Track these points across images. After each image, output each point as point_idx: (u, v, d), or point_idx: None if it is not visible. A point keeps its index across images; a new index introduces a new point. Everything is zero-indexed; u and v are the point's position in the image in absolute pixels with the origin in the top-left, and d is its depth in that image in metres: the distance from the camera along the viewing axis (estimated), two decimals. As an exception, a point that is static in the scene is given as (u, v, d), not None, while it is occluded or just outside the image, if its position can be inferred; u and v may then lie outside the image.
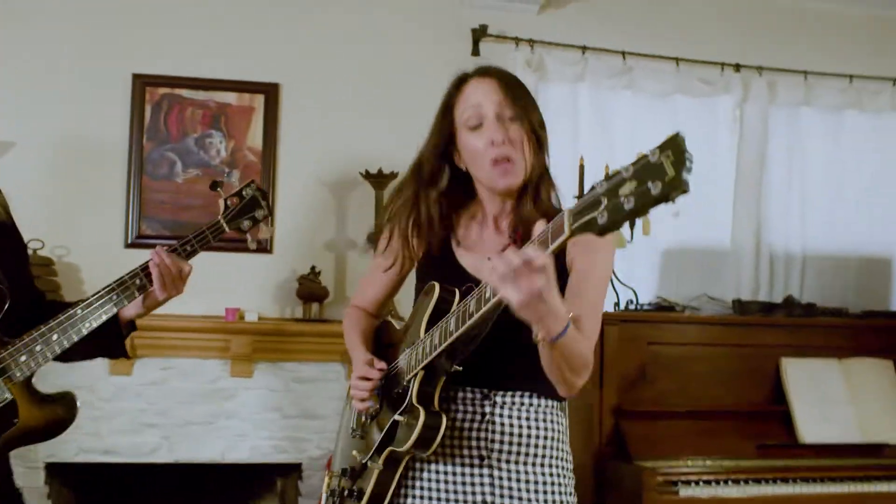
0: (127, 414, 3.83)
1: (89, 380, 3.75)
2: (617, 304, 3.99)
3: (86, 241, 3.88)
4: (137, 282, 2.24)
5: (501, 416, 1.89)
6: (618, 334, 3.72)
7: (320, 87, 4.14)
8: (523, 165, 1.90)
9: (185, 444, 3.87)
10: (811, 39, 4.66)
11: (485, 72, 1.95)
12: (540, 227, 1.49)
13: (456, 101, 1.95)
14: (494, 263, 1.46)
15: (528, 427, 1.90)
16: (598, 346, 3.56)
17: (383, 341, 2.14)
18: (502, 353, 1.85)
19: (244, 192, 2.40)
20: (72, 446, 3.77)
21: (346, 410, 2.23)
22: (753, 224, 4.44)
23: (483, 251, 1.94)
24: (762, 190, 4.48)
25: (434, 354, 1.76)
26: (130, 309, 2.28)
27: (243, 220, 2.36)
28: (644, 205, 1.24)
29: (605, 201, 1.30)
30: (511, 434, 1.89)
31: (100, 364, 3.77)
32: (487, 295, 1.60)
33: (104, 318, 2.22)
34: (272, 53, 4.10)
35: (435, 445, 1.80)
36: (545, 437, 1.91)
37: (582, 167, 4.00)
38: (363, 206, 4.06)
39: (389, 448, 1.85)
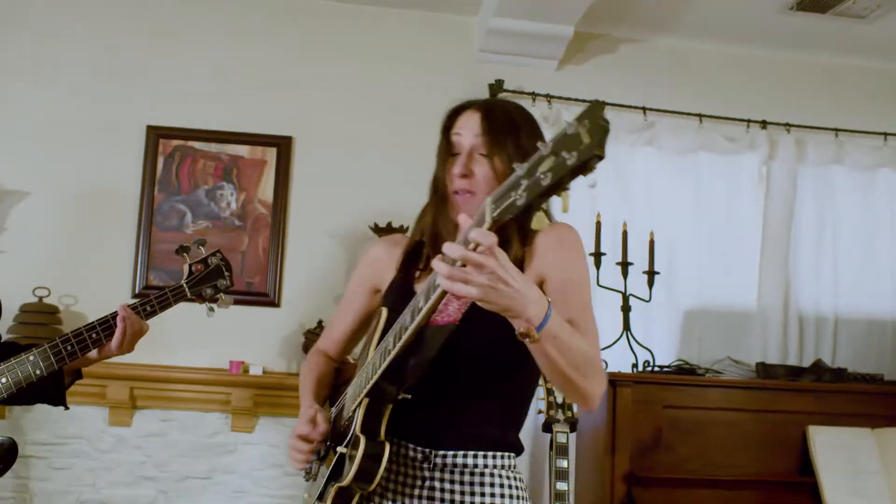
0: (125, 466, 3.77)
1: (88, 430, 3.71)
2: (635, 365, 3.83)
3: (93, 290, 3.88)
4: (93, 335, 2.28)
5: (443, 481, 1.77)
6: (631, 396, 3.55)
7: (333, 141, 4.13)
8: (484, 196, 1.83)
9: (183, 499, 3.79)
10: (842, 96, 4.53)
11: (473, 104, 1.94)
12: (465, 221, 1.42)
13: (451, 128, 1.94)
14: (437, 265, 1.39)
15: (471, 494, 1.77)
16: (609, 407, 3.52)
17: (341, 382, 2.08)
18: (441, 408, 1.77)
19: (209, 261, 2.50)
20: (69, 497, 3.71)
21: None
22: (781, 285, 4.25)
23: None
24: (790, 250, 4.31)
25: (376, 377, 1.68)
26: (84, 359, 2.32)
27: (206, 287, 2.47)
28: (561, 177, 1.18)
29: (524, 182, 1.24)
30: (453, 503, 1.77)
31: (99, 414, 3.73)
32: (420, 305, 1.53)
33: (55, 367, 2.25)
34: (286, 107, 4.11)
35: (378, 478, 1.68)
36: None
37: (599, 224, 3.90)
38: (373, 260, 3.98)
39: (335, 485, 1.74)
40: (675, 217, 4.22)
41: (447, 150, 1.91)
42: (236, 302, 3.88)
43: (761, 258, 4.27)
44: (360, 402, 1.73)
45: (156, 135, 4.00)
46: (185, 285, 2.42)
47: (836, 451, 3.59)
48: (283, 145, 4.07)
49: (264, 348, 3.95)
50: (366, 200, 4.05)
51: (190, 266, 2.45)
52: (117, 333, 2.26)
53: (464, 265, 1.37)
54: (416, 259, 1.95)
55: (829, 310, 4.31)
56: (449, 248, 1.37)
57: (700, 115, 4.29)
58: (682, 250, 4.22)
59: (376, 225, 3.92)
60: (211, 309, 2.50)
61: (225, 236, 3.97)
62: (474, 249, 1.35)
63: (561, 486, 3.13)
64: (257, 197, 4.04)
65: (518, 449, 1.85)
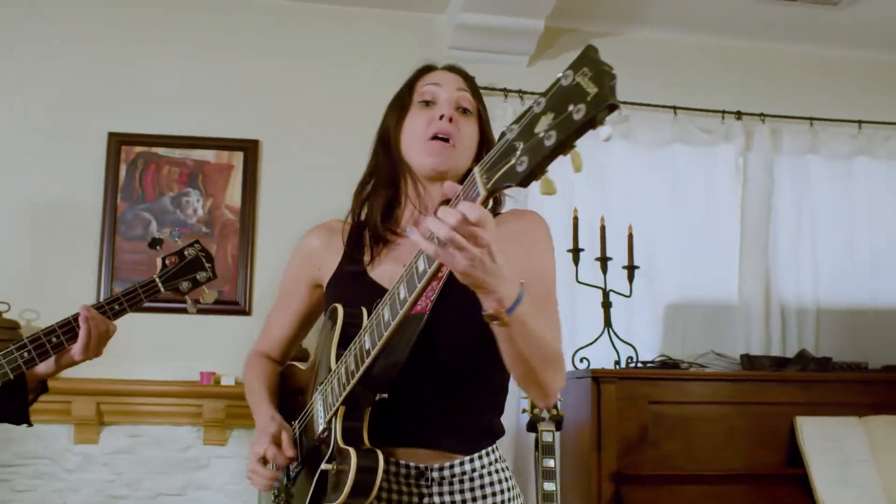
0: (93, 485, 3.62)
1: (52, 449, 3.57)
2: (617, 361, 3.74)
3: (55, 304, 3.64)
4: (53, 339, 2.08)
5: (441, 494, 1.65)
6: (615, 393, 3.47)
7: (301, 144, 4.02)
8: (463, 156, 1.75)
9: (156, 518, 3.64)
10: (816, 85, 4.50)
11: (453, 68, 1.84)
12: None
13: (417, 82, 1.81)
14: (430, 224, 1.24)
15: (473, 500, 1.66)
16: (594, 405, 3.42)
17: (289, 389, 1.91)
18: (425, 402, 1.64)
19: (186, 252, 2.28)
20: (35, 521, 3.56)
21: None
22: (762, 276, 4.19)
23: (397, 260, 1.72)
24: (769, 241, 4.25)
25: (354, 381, 1.53)
26: (41, 366, 2.10)
27: (182, 280, 2.25)
28: (570, 134, 1.06)
29: (520, 145, 1.12)
30: None
31: (64, 432, 3.59)
32: (402, 296, 1.39)
33: (9, 377, 2.06)
34: (252, 110, 4.00)
35: (375, 491, 1.53)
36: None
37: (576, 220, 3.81)
38: (345, 265, 3.87)
39: None
40: (653, 210, 4.15)
41: (410, 100, 1.78)
42: (206, 311, 3.77)
43: (741, 249, 4.22)
44: (337, 412, 1.59)
45: (117, 141, 3.87)
46: (157, 280, 2.22)
47: (824, 441, 3.53)
48: (250, 149, 3.96)
49: (236, 358, 3.76)
50: (337, 204, 3.88)
51: (163, 259, 2.25)
52: (81, 336, 2.04)
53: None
54: (361, 245, 1.78)
55: (810, 299, 4.26)
56: (445, 213, 1.23)
57: (675, 108, 4.23)
58: (661, 244, 4.15)
59: (348, 227, 3.81)
60: (193, 304, 2.29)
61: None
62: (467, 220, 1.23)
63: (548, 486, 3.03)
64: (225, 203, 3.93)
65: (499, 433, 1.74)
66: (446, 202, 1.30)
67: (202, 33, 4.04)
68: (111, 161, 3.85)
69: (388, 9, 4.19)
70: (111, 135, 3.87)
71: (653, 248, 4.12)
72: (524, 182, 1.13)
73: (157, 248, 2.24)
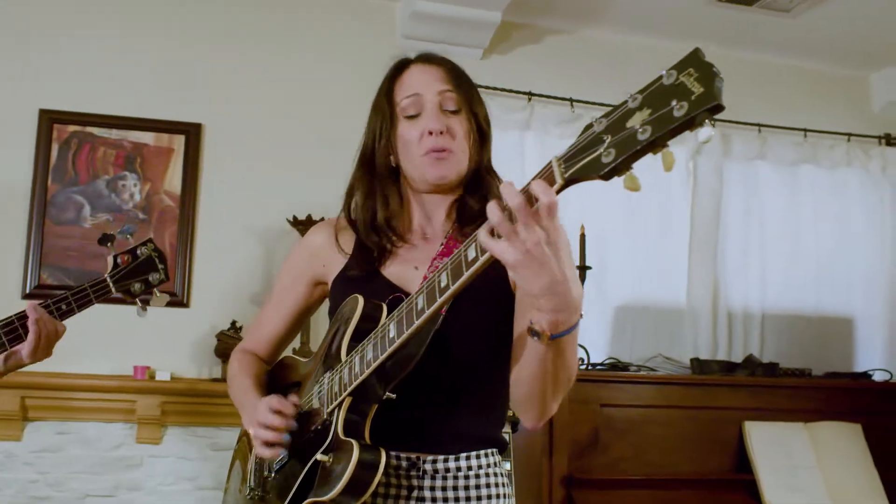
0: (14, 485, 3.38)
1: (-29, 446, 3.32)
2: (566, 363, 3.67)
3: None
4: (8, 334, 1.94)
5: (433, 489, 1.56)
6: (567, 395, 3.38)
7: (246, 128, 3.85)
8: (464, 159, 1.66)
9: (82, 521, 3.43)
10: (765, 93, 4.53)
11: (427, 58, 1.72)
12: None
13: (395, 88, 1.69)
14: (488, 207, 1.16)
15: (466, 499, 1.58)
16: (545, 407, 3.35)
17: (281, 383, 1.80)
18: (428, 409, 1.56)
19: (139, 251, 2.15)
20: (-51, 524, 3.31)
21: (234, 472, 1.87)
22: (710, 281, 4.21)
23: (408, 262, 1.66)
24: (718, 245, 4.27)
25: (370, 370, 1.44)
26: None
27: (134, 281, 2.13)
28: (667, 130, 1.02)
29: (607, 138, 1.07)
30: None
31: (-17, 428, 3.35)
32: (444, 283, 1.29)
33: None
34: (195, 92, 3.81)
35: (370, 491, 1.43)
36: None
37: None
38: (291, 256, 3.72)
39: (310, 500, 1.47)
40: (605, 211, 4.11)
41: (393, 112, 1.67)
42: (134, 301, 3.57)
43: (690, 253, 4.22)
44: (342, 402, 1.49)
45: (49, 119, 3.63)
46: (108, 280, 2.08)
47: (772, 446, 3.54)
48: (192, 133, 3.77)
49: (172, 352, 3.62)
50: (283, 192, 3.78)
51: (115, 258, 2.11)
52: (30, 338, 1.92)
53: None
54: (369, 246, 1.69)
55: (756, 305, 4.29)
56: (508, 192, 1.14)
57: (627, 108, 4.19)
58: (612, 245, 4.12)
59: (295, 218, 3.67)
60: (143, 307, 2.16)
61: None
62: (535, 207, 1.14)
63: (504, 489, 2.94)
64: (163, 188, 3.73)
65: (504, 445, 1.66)
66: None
67: (147, 10, 3.82)
68: (42, 140, 3.62)
69: (340, -6, 4.06)
70: (42, 112, 3.63)
71: (603, 249, 4.08)
72: (608, 174, 1.08)
73: (109, 244, 2.10)
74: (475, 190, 1.68)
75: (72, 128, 3.66)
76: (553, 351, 1.33)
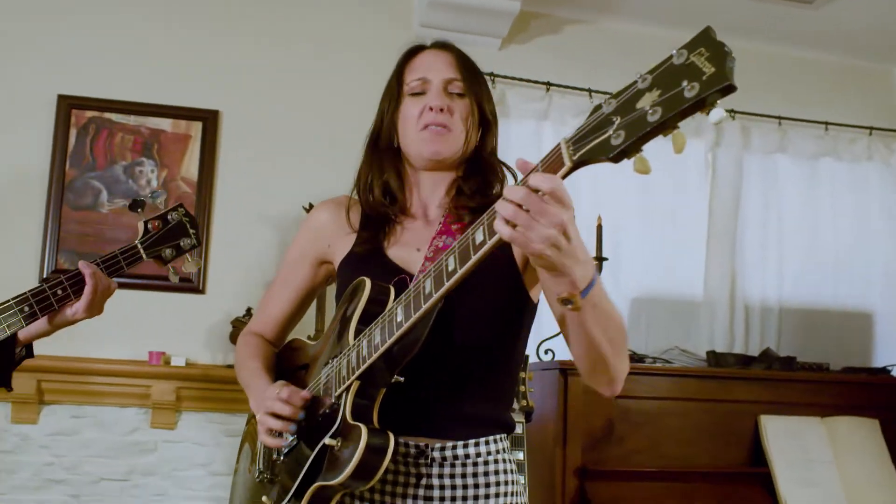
0: (30, 468, 3.41)
1: (-13, 428, 3.34)
2: (582, 354, 3.66)
3: None
4: (59, 292, 1.90)
5: (441, 476, 1.56)
6: (582, 387, 3.38)
7: (264, 116, 3.85)
8: (461, 139, 1.67)
9: (97, 503, 3.43)
10: (786, 85, 4.49)
11: (442, 45, 1.77)
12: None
13: (406, 70, 1.73)
14: (501, 207, 1.16)
15: (475, 486, 1.57)
16: (560, 398, 3.34)
17: (289, 365, 1.80)
18: (436, 392, 1.56)
19: (170, 217, 2.12)
20: (-34, 505, 3.33)
21: (244, 454, 1.86)
22: (727, 273, 4.17)
23: (409, 244, 1.67)
24: (736, 238, 4.23)
25: (378, 354, 1.43)
26: (31, 328, 1.92)
27: (165, 247, 2.09)
28: (678, 111, 1.00)
29: (617, 119, 1.06)
30: (454, 500, 1.56)
31: (0, 410, 3.36)
32: (451, 267, 1.29)
33: (7, 332, 1.87)
34: (213, 79, 3.81)
35: (378, 475, 1.43)
36: (494, 495, 1.59)
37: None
38: (307, 243, 3.72)
39: (318, 483, 1.48)
40: (621, 203, 4.09)
41: (401, 91, 1.71)
42: (157, 288, 3.59)
43: (708, 246, 4.19)
44: (350, 386, 1.48)
45: (68, 105, 3.65)
46: (139, 245, 2.05)
47: (788, 440, 3.51)
48: (209, 120, 3.77)
49: (187, 338, 3.63)
50: (299, 180, 3.78)
51: (145, 223, 2.08)
52: (87, 291, 1.88)
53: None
54: (373, 225, 1.71)
55: (774, 298, 4.25)
56: (511, 190, 1.16)
57: (646, 99, 4.16)
58: (629, 237, 4.10)
59: (310, 205, 3.66)
60: (175, 273, 2.14)
61: (144, 216, 3.63)
62: (546, 194, 1.15)
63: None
64: (180, 174, 3.73)
65: (511, 427, 1.65)
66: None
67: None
68: (60, 125, 3.63)
69: (357, -19, 4.05)
70: (61, 97, 3.65)
71: (620, 241, 4.06)
72: (617, 157, 1.07)
73: (139, 210, 2.08)
74: (475, 171, 1.70)
75: (90, 113, 3.67)
76: (589, 311, 1.31)
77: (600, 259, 3.73)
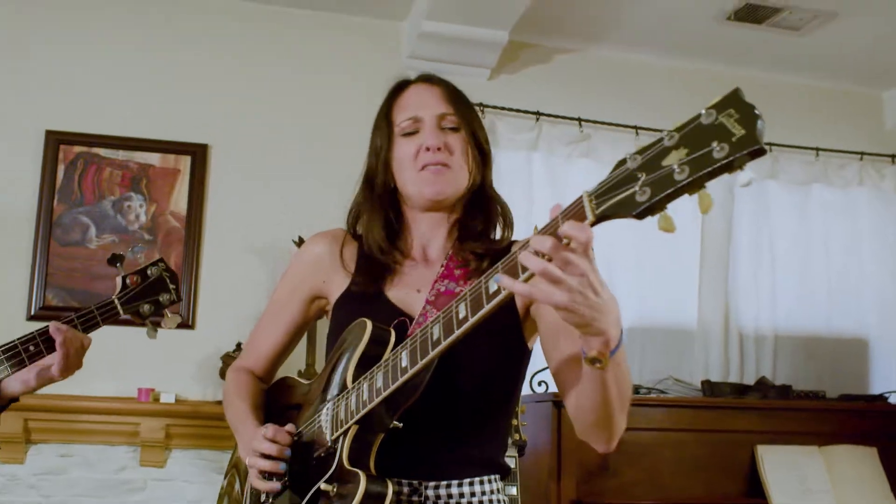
0: (17, 509, 3.36)
1: (-27, 469, 3.29)
2: (575, 385, 3.62)
3: None
4: (31, 348, 1.89)
5: None
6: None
7: (253, 149, 3.84)
8: (463, 175, 1.63)
9: (85, 545, 3.39)
10: (776, 112, 4.45)
11: (427, 79, 1.72)
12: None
13: (394, 108, 1.68)
14: (526, 259, 1.13)
15: None
16: (554, 431, 3.30)
17: (280, 405, 1.75)
18: (431, 435, 1.52)
19: (149, 271, 2.08)
20: (-49, 548, 3.27)
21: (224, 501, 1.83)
22: (721, 302, 4.15)
23: (409, 286, 1.63)
24: (729, 265, 4.21)
25: (380, 398, 1.40)
26: (15, 384, 1.92)
27: (143, 303, 2.05)
28: (706, 172, 0.99)
29: (642, 176, 1.04)
30: None
31: (-14, 451, 3.32)
32: (462, 315, 1.27)
33: None
34: (201, 112, 3.81)
35: None
36: None
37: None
38: (297, 277, 3.69)
39: None
40: (613, 232, 4.04)
41: (392, 132, 1.65)
42: (144, 323, 3.54)
43: (701, 274, 4.17)
44: (348, 430, 1.45)
45: (55, 140, 3.63)
46: (116, 301, 2.02)
47: (785, 470, 3.47)
48: (198, 153, 3.76)
49: (177, 374, 3.59)
50: (288, 213, 3.76)
51: (124, 278, 2.04)
52: (60, 356, 1.87)
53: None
54: (372, 265, 1.66)
55: (768, 326, 4.23)
56: (539, 240, 1.13)
57: (636, 128, 4.16)
58: (621, 266, 4.07)
59: (301, 239, 3.64)
60: (153, 329, 2.09)
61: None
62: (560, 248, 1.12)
63: (511, 515, 2.89)
64: (169, 209, 3.71)
65: (507, 471, 1.62)
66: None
67: (151, 31, 3.83)
68: (48, 161, 3.61)
69: (346, 14, 4.04)
70: (49, 133, 3.63)
71: (612, 270, 4.03)
72: (642, 214, 1.05)
73: (118, 265, 2.03)
74: (476, 210, 1.66)
75: (78, 148, 3.65)
76: (612, 371, 1.29)
77: (593, 289, 3.70)
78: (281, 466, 1.51)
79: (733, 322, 4.18)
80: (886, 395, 3.95)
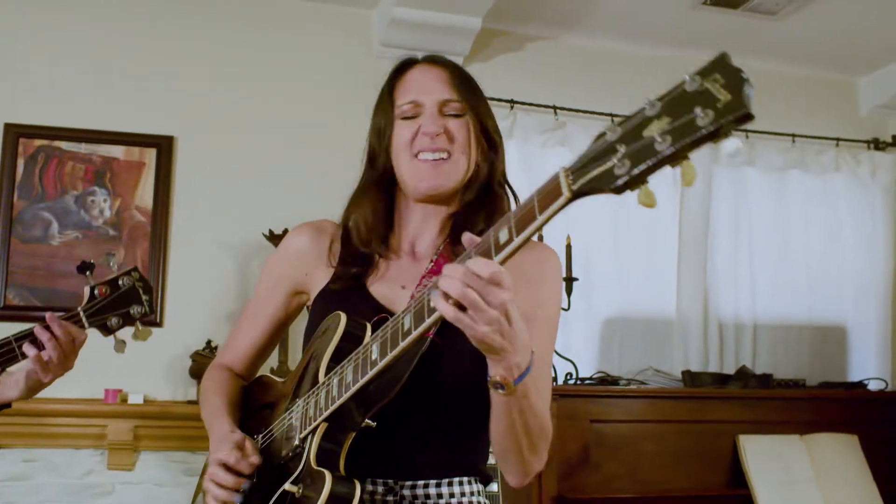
0: (-21, 517, 3.24)
1: (-67, 476, 3.17)
2: (555, 378, 3.56)
3: None
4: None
5: None
6: (556, 411, 3.28)
7: (220, 141, 3.73)
8: (462, 167, 1.53)
9: (51, 552, 3.28)
10: (753, 98, 4.44)
11: (434, 60, 1.62)
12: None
13: (396, 88, 1.59)
14: (442, 282, 1.11)
15: None
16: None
17: (255, 403, 1.67)
18: (409, 434, 1.45)
19: (121, 282, 1.96)
20: (-89, 558, 3.15)
21: (199, 499, 1.74)
22: (700, 290, 4.11)
23: (394, 281, 1.55)
24: (707, 254, 4.17)
25: (349, 394, 1.32)
26: (11, 390, 1.88)
27: (111, 315, 1.95)
28: (690, 141, 0.92)
29: (622, 148, 0.97)
30: None
31: (-54, 456, 3.20)
32: (433, 303, 1.20)
33: None
34: (167, 103, 3.69)
35: None
36: None
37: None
38: (268, 272, 3.60)
39: None
40: (591, 221, 4.01)
41: (393, 114, 1.57)
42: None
43: (679, 262, 4.12)
44: (317, 428, 1.37)
45: (15, 133, 3.51)
46: (80, 313, 1.91)
47: (767, 460, 3.43)
48: (163, 146, 3.64)
49: (145, 373, 3.48)
50: (259, 205, 3.66)
51: (92, 289, 1.93)
52: (50, 353, 1.81)
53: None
54: (357, 258, 1.58)
55: (747, 315, 4.20)
56: (453, 268, 1.12)
57: (612, 115, 4.09)
58: (599, 255, 4.01)
59: (271, 232, 3.55)
60: (121, 344, 1.99)
61: (98, 248, 3.51)
62: (486, 278, 1.11)
63: (492, 512, 2.83)
64: (135, 203, 3.60)
65: (487, 479, 1.54)
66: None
67: (112, 21, 3.70)
68: (7, 155, 3.49)
69: (315, 1, 3.94)
70: (8, 126, 3.51)
71: (590, 260, 3.98)
72: (621, 188, 0.99)
73: (87, 273, 1.93)
74: (478, 205, 1.56)
75: (38, 142, 3.53)
76: (518, 400, 1.27)
77: (570, 280, 3.64)
78: (236, 499, 1.43)
79: (712, 311, 4.15)
80: (865, 381, 3.92)
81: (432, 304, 1.18)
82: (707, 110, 0.92)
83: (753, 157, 4.31)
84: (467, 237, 1.17)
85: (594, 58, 4.27)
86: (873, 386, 3.94)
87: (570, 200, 1.04)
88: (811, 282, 4.31)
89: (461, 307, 1.13)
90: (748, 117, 0.91)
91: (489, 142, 1.58)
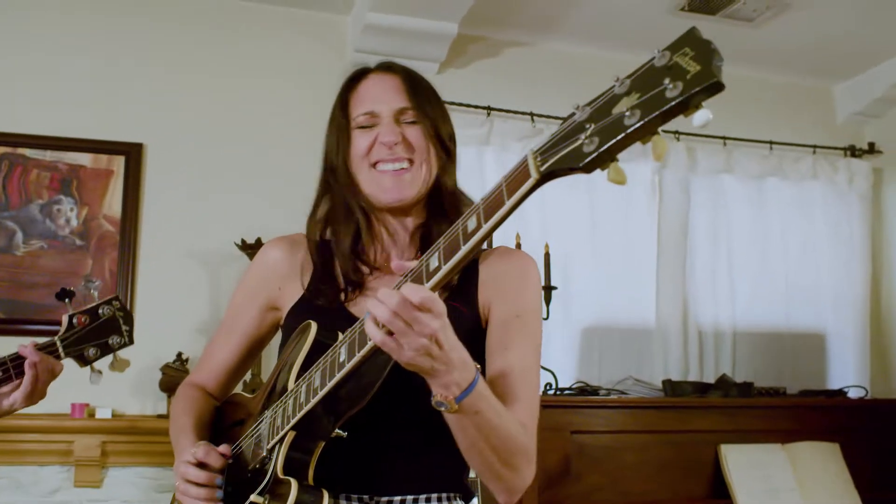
0: (-61, 538, 3.12)
1: None
2: (534, 388, 3.50)
3: None
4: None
5: None
6: (537, 422, 3.22)
7: (190, 148, 3.65)
8: (423, 175, 1.50)
9: (15, 574, 3.17)
10: (729, 105, 4.39)
11: (387, 67, 1.58)
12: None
13: (350, 100, 1.55)
14: (372, 307, 1.14)
15: None
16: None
17: (226, 422, 1.61)
18: (387, 447, 1.40)
19: (101, 311, 1.90)
20: None
21: None
22: (679, 298, 4.08)
23: (370, 296, 1.48)
24: (686, 262, 4.14)
25: (316, 399, 1.28)
26: None
27: (89, 346, 1.89)
28: (659, 113, 0.89)
29: (591, 126, 0.95)
30: None
31: None
32: (363, 327, 1.21)
33: None
34: (135, 110, 3.61)
35: None
36: None
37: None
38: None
39: None
40: (569, 229, 3.96)
41: (348, 125, 1.53)
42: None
43: (658, 271, 4.09)
44: (285, 437, 1.31)
45: (-24, 141, 3.41)
46: (57, 343, 1.85)
47: (749, 469, 3.40)
48: (132, 153, 3.56)
49: (113, 387, 3.37)
50: (230, 214, 3.58)
51: (70, 318, 1.87)
52: (28, 382, 1.75)
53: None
54: (332, 273, 1.54)
55: (727, 323, 4.17)
56: (385, 294, 1.13)
57: (589, 122, 4.06)
58: (577, 264, 3.97)
59: (244, 242, 3.47)
60: (97, 374, 1.93)
61: (64, 259, 3.41)
62: (413, 305, 1.11)
63: (473, 527, 2.75)
64: (102, 212, 3.51)
65: (470, 494, 1.48)
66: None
67: (79, 25, 3.62)
68: (-31, 163, 3.39)
69: (288, 7, 3.88)
70: (-31, 133, 3.41)
71: (569, 269, 3.93)
72: (589, 165, 0.95)
73: (67, 301, 1.86)
74: (441, 216, 1.52)
75: (2, 149, 3.44)
76: (469, 418, 1.23)
77: (549, 288, 3.59)
78: (218, 494, 1.37)
79: (692, 319, 4.12)
80: (846, 389, 3.90)
81: (363, 328, 1.17)
82: (676, 82, 0.91)
83: (731, 165, 4.29)
84: (396, 264, 1.17)
85: (571, 63, 4.24)
86: (853, 394, 3.92)
87: (538, 182, 1.01)
88: (790, 288, 4.30)
89: (390, 332, 1.12)
90: (718, 86, 0.88)
91: (446, 150, 1.54)
